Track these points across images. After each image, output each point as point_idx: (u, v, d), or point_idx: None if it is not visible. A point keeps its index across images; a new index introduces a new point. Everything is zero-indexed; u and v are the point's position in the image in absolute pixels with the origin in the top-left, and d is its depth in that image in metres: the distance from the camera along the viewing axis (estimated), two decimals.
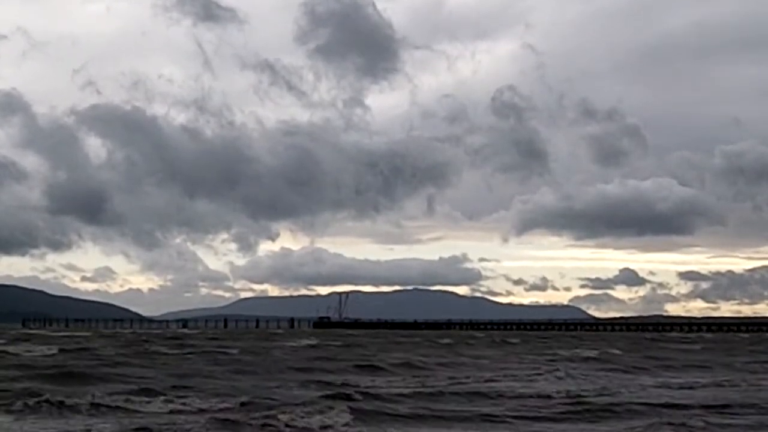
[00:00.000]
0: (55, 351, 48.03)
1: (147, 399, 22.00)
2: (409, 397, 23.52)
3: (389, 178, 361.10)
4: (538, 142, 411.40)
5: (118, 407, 20.57)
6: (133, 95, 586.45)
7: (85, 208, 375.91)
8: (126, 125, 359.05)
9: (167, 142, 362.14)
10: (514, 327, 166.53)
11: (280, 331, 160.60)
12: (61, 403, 20.65)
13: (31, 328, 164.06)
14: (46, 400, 20.66)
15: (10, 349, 50.36)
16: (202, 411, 19.95)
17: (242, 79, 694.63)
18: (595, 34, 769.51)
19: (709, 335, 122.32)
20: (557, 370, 33.68)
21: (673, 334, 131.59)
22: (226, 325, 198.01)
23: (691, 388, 28.47)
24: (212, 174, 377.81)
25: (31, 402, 20.56)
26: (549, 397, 23.97)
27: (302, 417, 17.85)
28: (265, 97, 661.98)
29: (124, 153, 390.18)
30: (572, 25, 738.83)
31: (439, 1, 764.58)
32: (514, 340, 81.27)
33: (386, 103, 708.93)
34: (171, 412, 20.16)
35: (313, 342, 73.73)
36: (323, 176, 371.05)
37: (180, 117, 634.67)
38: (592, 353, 50.75)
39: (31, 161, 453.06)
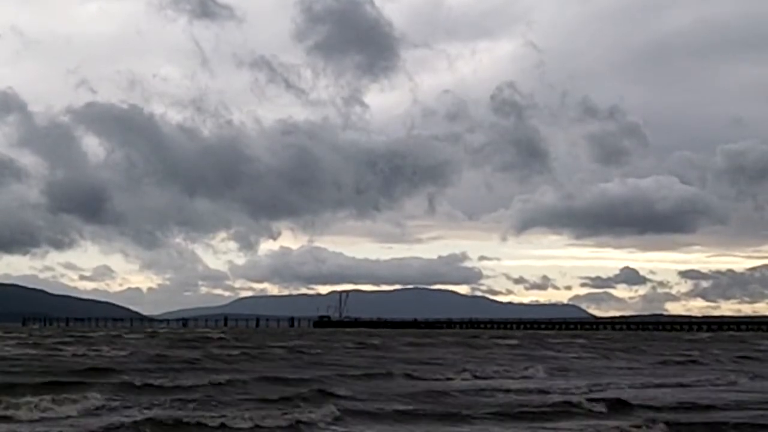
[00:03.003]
0: (126, 352, 43.65)
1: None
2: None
3: (389, 177, 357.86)
4: (539, 140, 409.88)
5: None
6: (130, 95, 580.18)
7: (83, 206, 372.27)
8: (123, 124, 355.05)
9: (165, 141, 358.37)
10: (514, 326, 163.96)
11: (292, 330, 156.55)
12: None
13: (33, 328, 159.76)
14: None
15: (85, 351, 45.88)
16: None
17: (240, 78, 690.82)
18: (596, 33, 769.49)
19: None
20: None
21: (705, 334, 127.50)
22: (226, 324, 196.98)
23: None
24: (211, 173, 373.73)
25: None
26: None
27: None
28: (263, 96, 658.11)
29: (121, 152, 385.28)
30: (573, 24, 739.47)
31: None
32: (580, 341, 77.28)
33: (386, 102, 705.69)
34: None
35: (366, 340, 70.15)
36: (323, 175, 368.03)
37: (178, 116, 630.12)
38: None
39: (28, 160, 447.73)
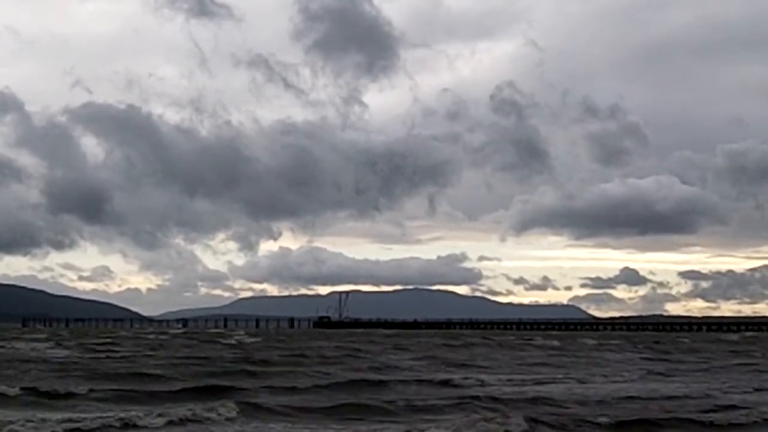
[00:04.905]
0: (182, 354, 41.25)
1: None
2: None
3: (389, 177, 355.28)
4: (539, 140, 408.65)
5: None
6: (127, 95, 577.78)
7: (82, 207, 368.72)
8: (121, 124, 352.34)
9: (164, 141, 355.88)
10: (514, 327, 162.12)
11: (313, 331, 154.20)
12: None
13: (32, 328, 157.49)
14: None
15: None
16: None
17: (238, 77, 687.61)
18: (596, 32, 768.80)
19: None
20: None
21: (733, 335, 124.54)
22: (225, 325, 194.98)
23: None
24: (210, 173, 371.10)
25: None
26: None
27: None
28: (261, 96, 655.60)
29: (120, 152, 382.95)
30: (573, 23, 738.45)
31: None
32: (615, 342, 74.32)
33: (385, 102, 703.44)
34: None
35: (394, 341, 67.57)
36: (322, 175, 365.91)
37: (176, 116, 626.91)
38: None
39: (26, 160, 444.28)
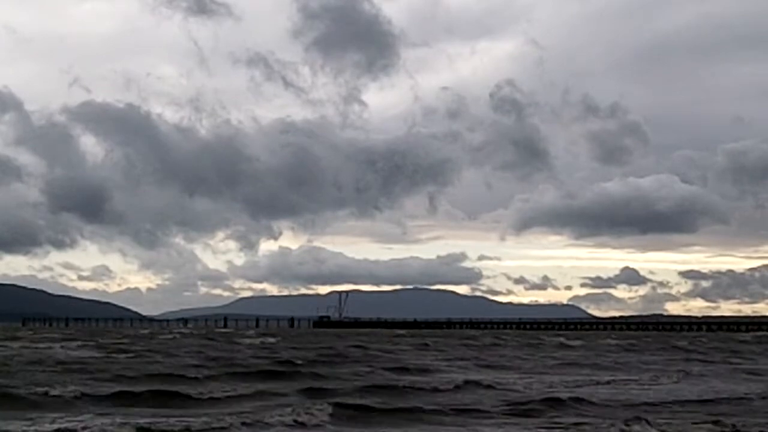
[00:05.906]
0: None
1: None
2: None
3: (389, 176, 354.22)
4: (539, 139, 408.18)
5: None
6: (126, 94, 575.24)
7: (81, 206, 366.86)
8: (120, 123, 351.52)
9: (163, 140, 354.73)
10: (514, 326, 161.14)
11: (318, 331, 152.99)
12: None
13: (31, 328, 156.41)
14: None
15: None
16: None
17: (237, 76, 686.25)
18: (597, 31, 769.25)
19: None
20: None
21: (747, 335, 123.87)
22: (225, 325, 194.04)
23: None
24: (210, 172, 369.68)
25: None
26: None
27: None
28: (260, 94, 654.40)
29: (119, 151, 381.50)
30: (574, 22, 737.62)
31: None
32: (628, 341, 73.12)
33: (384, 101, 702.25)
34: None
35: (414, 341, 66.48)
36: (322, 174, 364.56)
37: (175, 115, 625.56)
38: None
39: (25, 159, 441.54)
